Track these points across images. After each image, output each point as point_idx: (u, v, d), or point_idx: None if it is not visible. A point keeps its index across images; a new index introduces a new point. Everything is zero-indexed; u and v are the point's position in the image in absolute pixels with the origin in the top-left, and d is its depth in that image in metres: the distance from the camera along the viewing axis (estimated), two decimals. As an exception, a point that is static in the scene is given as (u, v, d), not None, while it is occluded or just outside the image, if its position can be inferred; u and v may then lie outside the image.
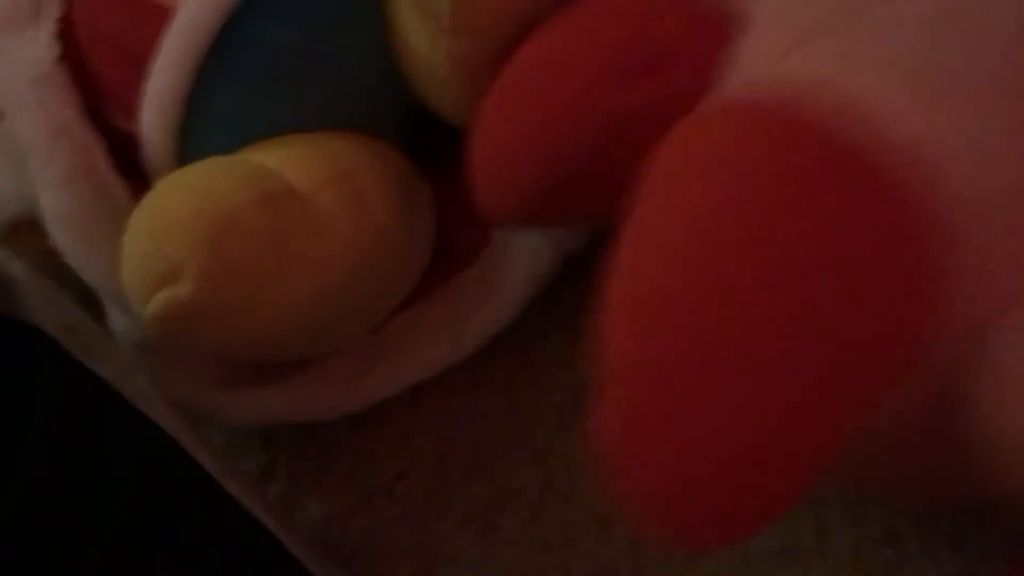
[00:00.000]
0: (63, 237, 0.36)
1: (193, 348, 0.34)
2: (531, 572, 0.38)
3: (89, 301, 0.39)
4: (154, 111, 0.35)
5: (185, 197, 0.32)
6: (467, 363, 0.40)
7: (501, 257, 0.40)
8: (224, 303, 0.32)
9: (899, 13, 0.24)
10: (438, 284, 0.39)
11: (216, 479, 0.34)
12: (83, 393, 0.32)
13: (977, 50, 0.24)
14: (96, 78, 0.37)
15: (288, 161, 0.34)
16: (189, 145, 0.35)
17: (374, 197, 0.35)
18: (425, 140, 0.39)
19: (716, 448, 0.20)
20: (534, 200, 0.30)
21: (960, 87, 0.23)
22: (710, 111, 0.25)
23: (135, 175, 0.38)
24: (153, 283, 0.31)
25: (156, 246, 0.31)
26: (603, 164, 0.29)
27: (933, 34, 0.24)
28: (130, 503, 0.31)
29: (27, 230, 0.38)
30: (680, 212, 0.22)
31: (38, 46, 0.37)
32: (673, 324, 0.21)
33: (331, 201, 0.34)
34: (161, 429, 0.33)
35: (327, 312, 0.34)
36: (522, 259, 0.39)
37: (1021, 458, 0.22)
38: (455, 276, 0.40)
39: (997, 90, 0.23)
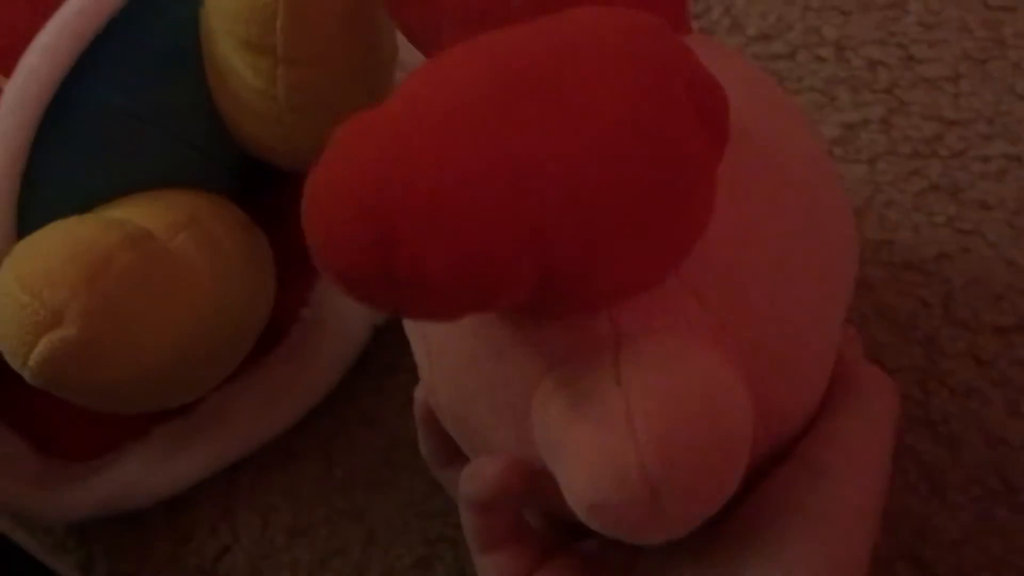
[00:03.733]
0: None
1: (76, 394, 0.34)
2: (360, 624, 0.40)
3: None
4: None
5: (53, 247, 0.33)
6: (281, 433, 0.42)
7: (311, 334, 0.42)
8: (107, 342, 0.33)
9: None
10: (248, 363, 0.41)
11: (40, 559, 0.34)
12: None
13: None
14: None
15: (137, 212, 0.36)
16: (28, 219, 0.36)
17: (223, 239, 0.37)
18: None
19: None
20: None
21: None
22: None
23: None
24: (34, 332, 0.32)
25: (32, 296, 0.32)
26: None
27: None
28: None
29: None
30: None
31: None
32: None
33: (185, 243, 0.35)
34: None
35: (198, 348, 0.35)
36: (333, 336, 0.42)
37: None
38: (265, 356, 0.42)
39: None
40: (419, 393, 0.34)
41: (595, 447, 0.24)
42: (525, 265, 0.22)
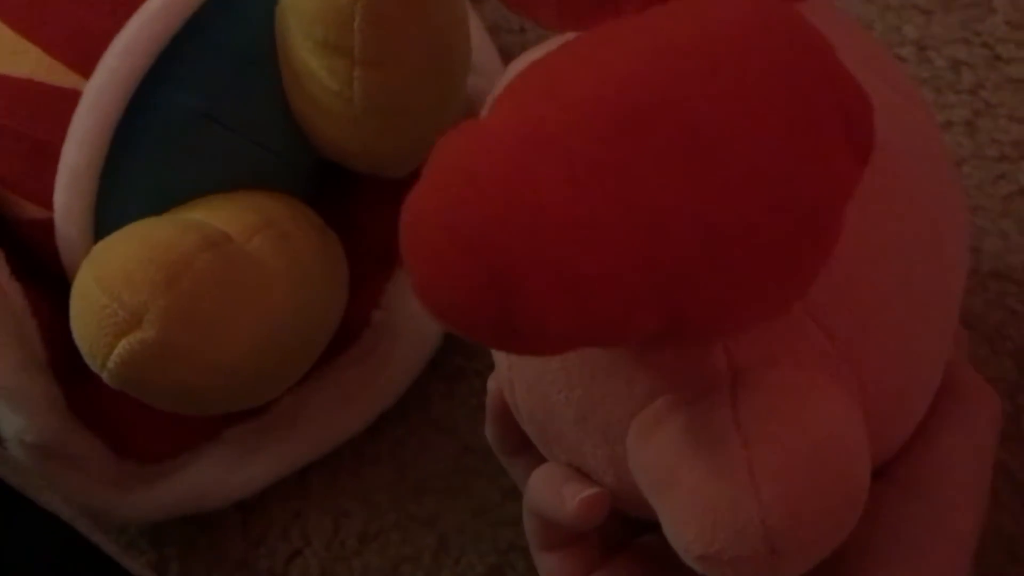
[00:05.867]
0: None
1: (153, 396, 0.34)
2: (431, 632, 0.39)
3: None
4: (68, 191, 0.36)
5: (132, 249, 0.33)
6: (353, 437, 0.42)
7: (382, 337, 0.42)
8: (185, 344, 0.33)
9: None
10: (320, 366, 0.41)
11: (117, 560, 0.34)
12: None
13: None
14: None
15: (213, 214, 0.36)
16: (105, 219, 0.36)
17: (298, 241, 0.37)
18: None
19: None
20: None
21: None
22: None
23: (33, 275, 0.39)
24: (113, 334, 0.32)
25: (112, 297, 0.32)
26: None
27: None
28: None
29: None
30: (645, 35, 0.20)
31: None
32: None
33: (261, 245, 0.35)
34: (57, 516, 0.34)
35: (273, 350, 0.35)
36: (405, 339, 0.41)
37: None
38: (337, 358, 0.42)
39: None
40: (493, 383, 0.33)
41: (712, 497, 0.22)
42: (653, 313, 0.20)
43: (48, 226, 0.38)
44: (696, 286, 0.20)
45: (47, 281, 0.40)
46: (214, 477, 0.41)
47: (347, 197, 0.43)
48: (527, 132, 0.19)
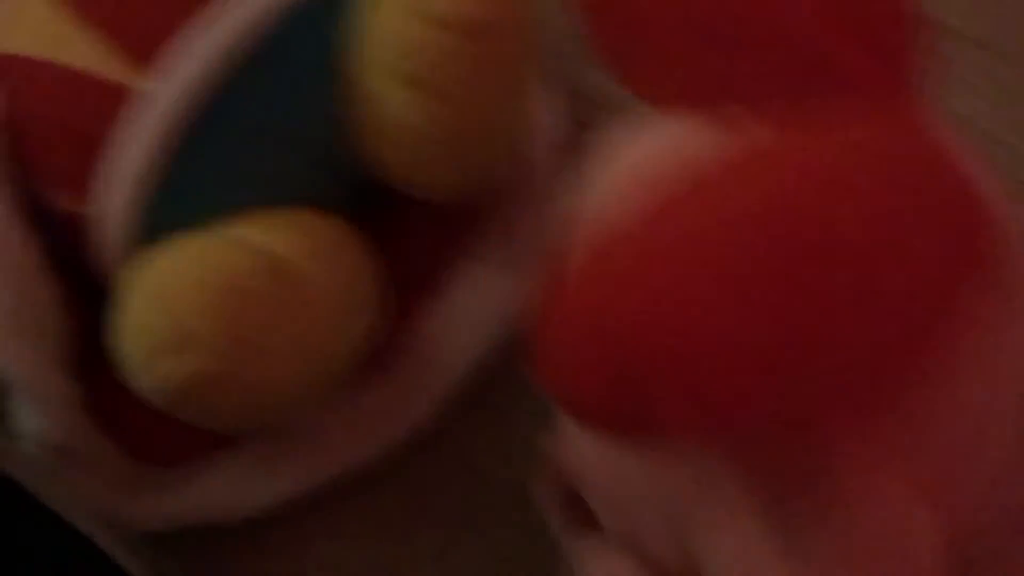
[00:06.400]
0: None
1: (193, 416, 0.34)
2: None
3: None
4: (118, 192, 0.35)
5: (188, 267, 0.33)
6: (369, 462, 0.41)
7: (411, 363, 0.41)
8: (231, 369, 0.32)
9: None
10: (346, 388, 0.40)
11: (120, 563, 0.33)
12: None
13: None
14: (38, 163, 0.37)
15: (265, 233, 0.35)
16: (150, 225, 0.35)
17: (342, 265, 0.37)
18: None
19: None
20: None
21: None
22: None
23: (58, 268, 0.38)
24: (161, 353, 0.32)
25: (163, 316, 0.32)
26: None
27: None
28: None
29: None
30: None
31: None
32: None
33: (309, 268, 0.35)
34: (76, 529, 0.33)
35: (309, 373, 0.35)
36: (433, 367, 0.41)
37: None
38: (364, 382, 0.41)
39: None
40: (549, 447, 0.32)
41: None
42: (770, 424, 0.21)
43: (81, 220, 0.37)
44: (819, 406, 0.21)
45: (70, 274, 0.39)
46: (226, 491, 0.40)
47: (393, 220, 0.42)
48: (683, 244, 0.20)
